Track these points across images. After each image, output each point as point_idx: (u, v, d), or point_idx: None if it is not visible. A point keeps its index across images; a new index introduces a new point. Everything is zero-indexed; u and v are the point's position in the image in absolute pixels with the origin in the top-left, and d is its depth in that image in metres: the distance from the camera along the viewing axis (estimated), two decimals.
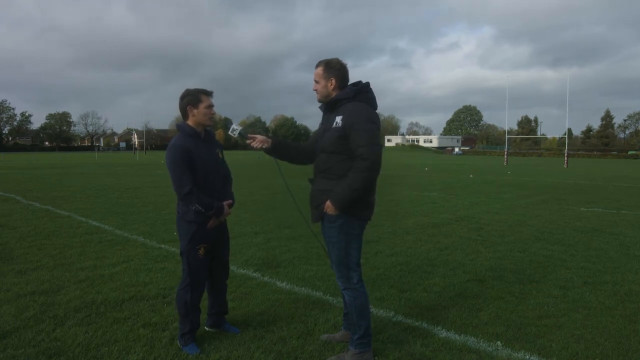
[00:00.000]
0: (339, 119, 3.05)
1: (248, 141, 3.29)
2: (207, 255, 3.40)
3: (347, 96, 3.09)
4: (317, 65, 3.19)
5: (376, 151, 2.96)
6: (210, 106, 3.35)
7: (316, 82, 3.18)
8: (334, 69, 3.14)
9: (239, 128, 3.30)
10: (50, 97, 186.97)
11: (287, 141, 3.43)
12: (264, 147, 3.29)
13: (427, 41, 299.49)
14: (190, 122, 3.34)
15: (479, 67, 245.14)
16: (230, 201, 3.49)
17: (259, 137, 3.29)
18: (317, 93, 3.20)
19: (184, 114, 3.35)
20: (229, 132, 3.30)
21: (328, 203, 3.05)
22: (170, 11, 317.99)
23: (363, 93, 3.12)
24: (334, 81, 3.14)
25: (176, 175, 3.22)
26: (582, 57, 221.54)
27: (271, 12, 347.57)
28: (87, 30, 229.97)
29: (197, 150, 3.27)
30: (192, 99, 3.30)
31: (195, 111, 3.31)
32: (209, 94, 3.36)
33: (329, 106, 3.18)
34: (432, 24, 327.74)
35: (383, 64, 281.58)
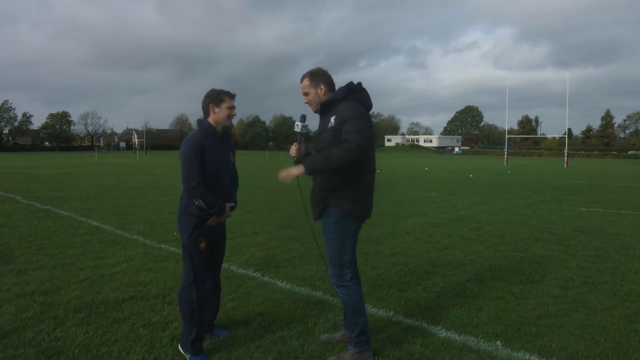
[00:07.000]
0: (332, 119, 3.12)
1: (296, 145, 3.30)
2: (207, 250, 3.41)
3: (339, 96, 3.16)
4: (302, 79, 3.27)
5: (362, 139, 2.97)
6: (232, 107, 3.44)
7: (306, 94, 3.25)
8: (319, 75, 3.25)
9: (302, 125, 3.31)
10: (63, 96, 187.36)
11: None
12: (298, 156, 3.30)
13: (445, 41, 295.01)
14: (210, 119, 3.44)
15: (492, 67, 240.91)
16: (233, 204, 3.53)
17: (302, 147, 3.31)
18: (311, 104, 3.26)
19: (206, 111, 3.45)
20: (294, 127, 3.33)
21: (299, 165, 3.09)
22: (197, 11, 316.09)
23: (355, 92, 3.19)
24: (322, 87, 3.23)
25: (186, 168, 3.30)
26: (594, 58, 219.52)
27: (299, 12, 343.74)
28: (109, 29, 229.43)
29: (212, 149, 3.36)
30: (215, 97, 3.41)
31: (216, 109, 3.41)
32: (231, 96, 3.47)
33: (324, 108, 3.24)
34: (454, 24, 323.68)
35: (398, 64, 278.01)
